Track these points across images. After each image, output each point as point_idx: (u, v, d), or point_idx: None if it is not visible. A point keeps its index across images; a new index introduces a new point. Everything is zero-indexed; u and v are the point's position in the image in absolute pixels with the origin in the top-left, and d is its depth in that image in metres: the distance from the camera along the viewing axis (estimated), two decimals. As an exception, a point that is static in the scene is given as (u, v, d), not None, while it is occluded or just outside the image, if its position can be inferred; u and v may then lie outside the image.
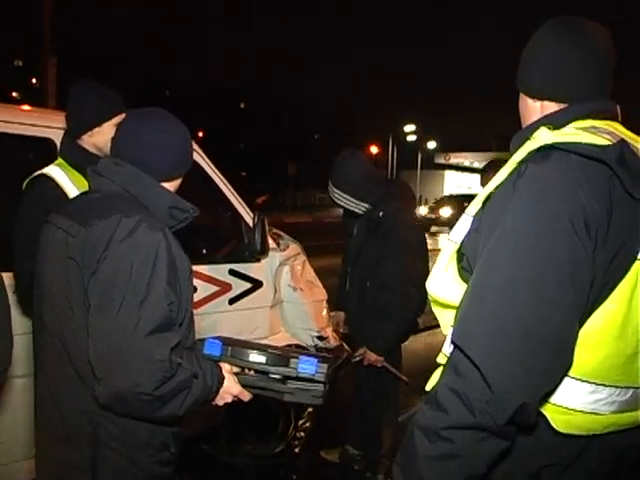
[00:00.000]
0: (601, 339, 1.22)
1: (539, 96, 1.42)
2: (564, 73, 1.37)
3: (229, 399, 1.69)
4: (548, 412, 1.26)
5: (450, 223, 23.32)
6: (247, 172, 40.62)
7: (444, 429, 1.17)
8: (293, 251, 3.79)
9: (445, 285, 1.37)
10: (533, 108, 1.43)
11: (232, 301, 3.31)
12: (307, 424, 3.83)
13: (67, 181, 2.32)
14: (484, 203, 1.33)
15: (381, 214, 3.16)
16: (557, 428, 1.26)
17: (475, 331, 1.19)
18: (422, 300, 3.06)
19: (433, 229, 23.27)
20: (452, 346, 1.24)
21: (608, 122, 1.32)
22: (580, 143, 1.21)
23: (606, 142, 1.21)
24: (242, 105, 54.27)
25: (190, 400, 1.51)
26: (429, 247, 3.54)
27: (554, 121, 1.33)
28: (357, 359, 3.28)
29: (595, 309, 1.21)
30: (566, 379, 1.22)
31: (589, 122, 1.30)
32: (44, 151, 2.68)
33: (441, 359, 1.37)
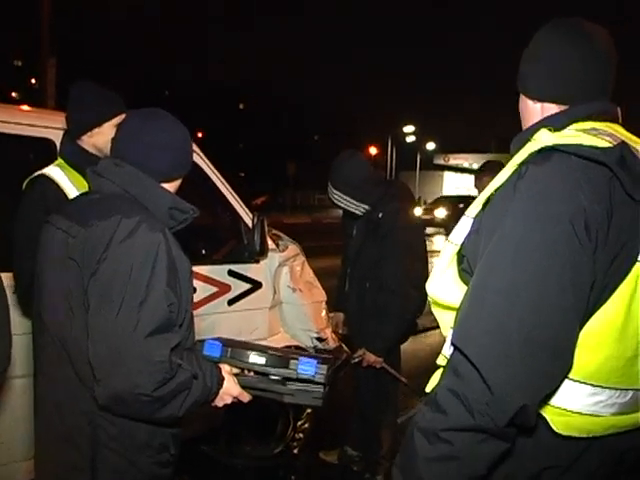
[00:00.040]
0: (601, 341, 1.22)
1: (539, 98, 1.42)
2: (564, 75, 1.37)
3: (229, 400, 1.69)
4: (548, 414, 1.26)
5: (445, 224, 23.22)
6: (246, 172, 40.57)
7: (443, 431, 1.17)
8: (292, 252, 3.78)
9: (445, 287, 1.37)
10: (533, 110, 1.43)
11: (231, 302, 3.30)
12: (306, 425, 3.83)
13: (67, 181, 2.32)
14: (484, 205, 1.33)
15: (380, 215, 3.16)
16: (557, 430, 1.26)
17: (475, 333, 1.19)
18: (421, 301, 3.07)
19: (429, 230, 23.11)
20: (452, 348, 1.24)
21: (608, 124, 1.32)
22: (581, 145, 1.21)
23: (606, 144, 1.21)
24: (241, 106, 54.24)
25: (190, 401, 1.51)
26: (425, 249, 3.53)
27: (554, 123, 1.33)
28: (356, 360, 3.28)
29: (595, 311, 1.20)
30: (566, 381, 1.22)
31: (589, 124, 1.31)
32: (44, 151, 2.67)
33: (441, 361, 1.36)
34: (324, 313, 3.84)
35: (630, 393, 1.28)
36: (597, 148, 1.20)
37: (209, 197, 3.36)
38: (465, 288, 1.29)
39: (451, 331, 1.29)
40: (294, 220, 22.53)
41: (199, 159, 3.17)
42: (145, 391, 1.40)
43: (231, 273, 3.31)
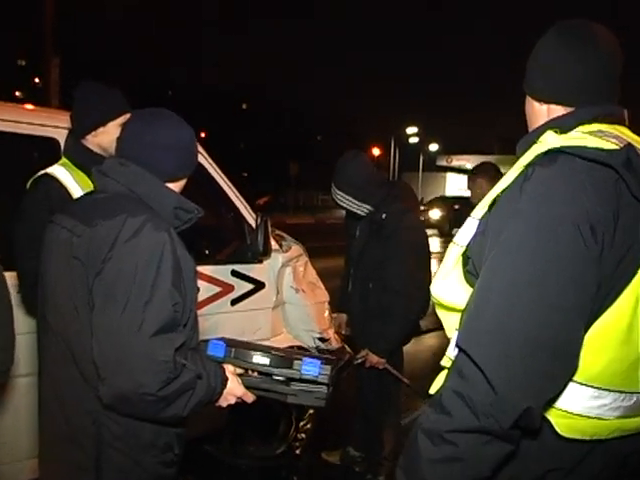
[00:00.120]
0: (606, 343, 1.22)
1: (545, 99, 1.42)
2: (570, 77, 1.37)
3: (233, 400, 1.69)
4: (552, 416, 1.25)
5: (439, 225, 22.84)
6: (249, 173, 40.54)
7: (448, 432, 1.17)
8: (295, 252, 3.78)
9: (450, 288, 1.37)
10: (539, 111, 1.43)
11: (234, 302, 3.30)
12: (308, 425, 3.83)
13: (71, 181, 2.32)
14: (490, 206, 1.33)
15: (384, 216, 3.16)
16: (561, 432, 1.25)
17: (479, 335, 1.19)
18: (425, 302, 3.06)
19: (425, 231, 22.74)
20: (457, 349, 1.24)
21: (615, 126, 1.32)
22: (585, 147, 1.21)
23: (612, 146, 1.21)
24: (244, 106, 54.22)
25: (194, 401, 1.51)
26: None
27: (560, 125, 1.33)
28: (359, 361, 3.28)
29: (601, 313, 1.20)
30: (570, 383, 1.22)
31: (596, 126, 1.31)
32: (48, 151, 2.68)
33: (445, 362, 1.36)
34: (327, 314, 3.84)
35: (635, 397, 1.28)
36: (602, 150, 1.20)
37: (213, 197, 3.37)
38: (470, 290, 1.29)
39: (456, 333, 1.29)
40: (297, 220, 22.50)
41: (203, 159, 3.17)
42: (149, 390, 1.40)
43: (234, 273, 3.31)
